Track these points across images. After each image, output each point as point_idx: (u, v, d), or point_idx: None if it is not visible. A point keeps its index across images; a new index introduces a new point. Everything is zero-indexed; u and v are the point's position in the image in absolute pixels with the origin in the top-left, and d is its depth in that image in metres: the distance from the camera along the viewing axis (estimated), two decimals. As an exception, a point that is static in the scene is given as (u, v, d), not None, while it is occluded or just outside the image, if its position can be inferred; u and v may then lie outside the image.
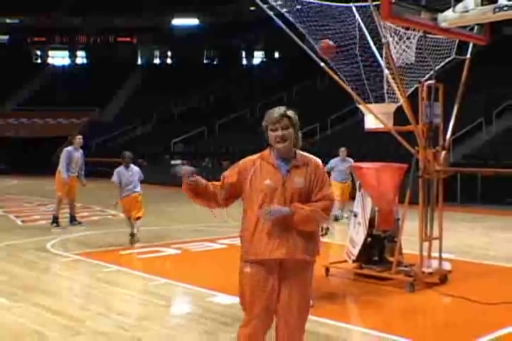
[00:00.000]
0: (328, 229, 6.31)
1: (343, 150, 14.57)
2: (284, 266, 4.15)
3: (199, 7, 48.43)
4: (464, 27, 7.55)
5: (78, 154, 13.58)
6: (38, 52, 55.13)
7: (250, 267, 4.17)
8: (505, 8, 6.49)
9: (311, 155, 4.35)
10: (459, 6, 6.83)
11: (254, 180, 4.18)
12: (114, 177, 11.05)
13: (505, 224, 14.39)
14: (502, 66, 27.44)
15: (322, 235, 6.40)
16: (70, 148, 13.53)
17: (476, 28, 7.77)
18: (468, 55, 8.45)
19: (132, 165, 11.31)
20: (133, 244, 10.84)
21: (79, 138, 13.66)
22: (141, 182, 11.37)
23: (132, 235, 10.94)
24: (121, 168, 11.13)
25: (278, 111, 4.17)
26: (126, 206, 11.14)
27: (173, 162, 32.09)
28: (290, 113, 4.18)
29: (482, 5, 6.67)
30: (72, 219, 13.65)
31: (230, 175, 4.26)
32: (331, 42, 7.91)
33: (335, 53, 7.98)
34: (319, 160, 4.34)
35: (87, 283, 8.12)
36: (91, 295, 7.41)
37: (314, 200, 4.15)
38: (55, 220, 13.38)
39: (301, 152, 4.31)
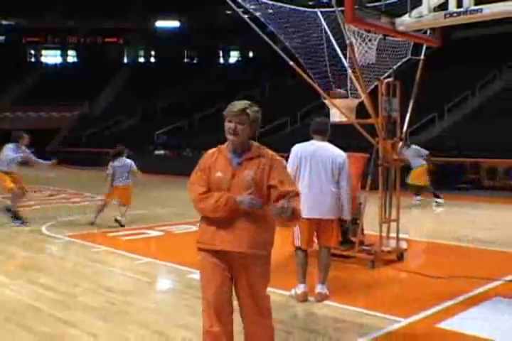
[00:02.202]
0: (356, 219, 6.20)
1: None
2: (231, 257, 3.78)
3: (180, 11, 48.17)
4: (419, 30, 7.58)
5: (21, 153, 11.41)
6: (32, 52, 54.61)
7: (201, 255, 3.86)
8: (454, 14, 6.54)
9: (269, 150, 3.93)
10: (415, 12, 6.85)
11: (212, 172, 3.81)
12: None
13: (455, 207, 14.58)
14: (452, 66, 27.71)
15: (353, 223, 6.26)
16: (12, 145, 11.42)
17: (429, 31, 7.82)
18: (423, 56, 8.51)
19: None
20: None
21: (27, 138, 11.60)
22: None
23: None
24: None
25: (239, 106, 3.79)
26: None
27: (156, 152, 31.99)
28: (250, 110, 3.78)
29: (434, 11, 6.73)
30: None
31: (200, 176, 3.85)
32: (342, 91, 8.00)
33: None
34: (276, 155, 3.90)
35: (78, 262, 8.07)
36: (82, 273, 7.37)
37: (276, 195, 3.70)
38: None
39: (259, 145, 3.90)
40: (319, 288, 6.17)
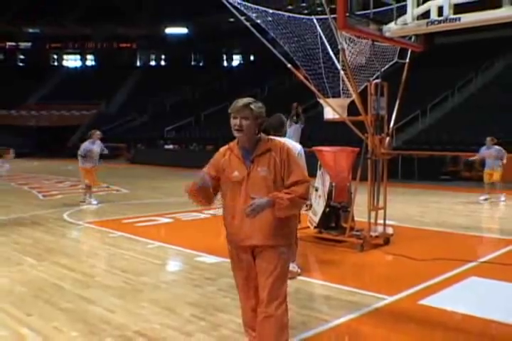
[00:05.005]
0: (311, 205, 6.28)
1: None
2: (255, 249, 3.59)
3: (187, 18, 48.09)
4: (404, 36, 7.57)
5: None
6: (55, 56, 54.79)
7: (229, 247, 3.73)
8: (435, 22, 6.54)
9: (278, 140, 3.68)
10: (400, 20, 6.84)
11: (226, 171, 3.58)
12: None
13: (437, 197, 14.58)
14: (434, 69, 27.68)
15: (306, 210, 6.36)
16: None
17: (413, 37, 7.80)
18: (408, 60, 8.49)
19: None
20: None
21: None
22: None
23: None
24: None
25: (243, 101, 3.52)
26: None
27: (166, 146, 31.96)
28: (254, 105, 3.51)
29: (418, 19, 6.72)
30: None
31: (208, 171, 3.65)
32: None
33: None
34: (286, 144, 3.61)
35: (96, 246, 8.08)
36: (99, 256, 7.39)
37: (287, 186, 3.48)
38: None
39: (267, 138, 3.64)
40: (291, 267, 6.18)
